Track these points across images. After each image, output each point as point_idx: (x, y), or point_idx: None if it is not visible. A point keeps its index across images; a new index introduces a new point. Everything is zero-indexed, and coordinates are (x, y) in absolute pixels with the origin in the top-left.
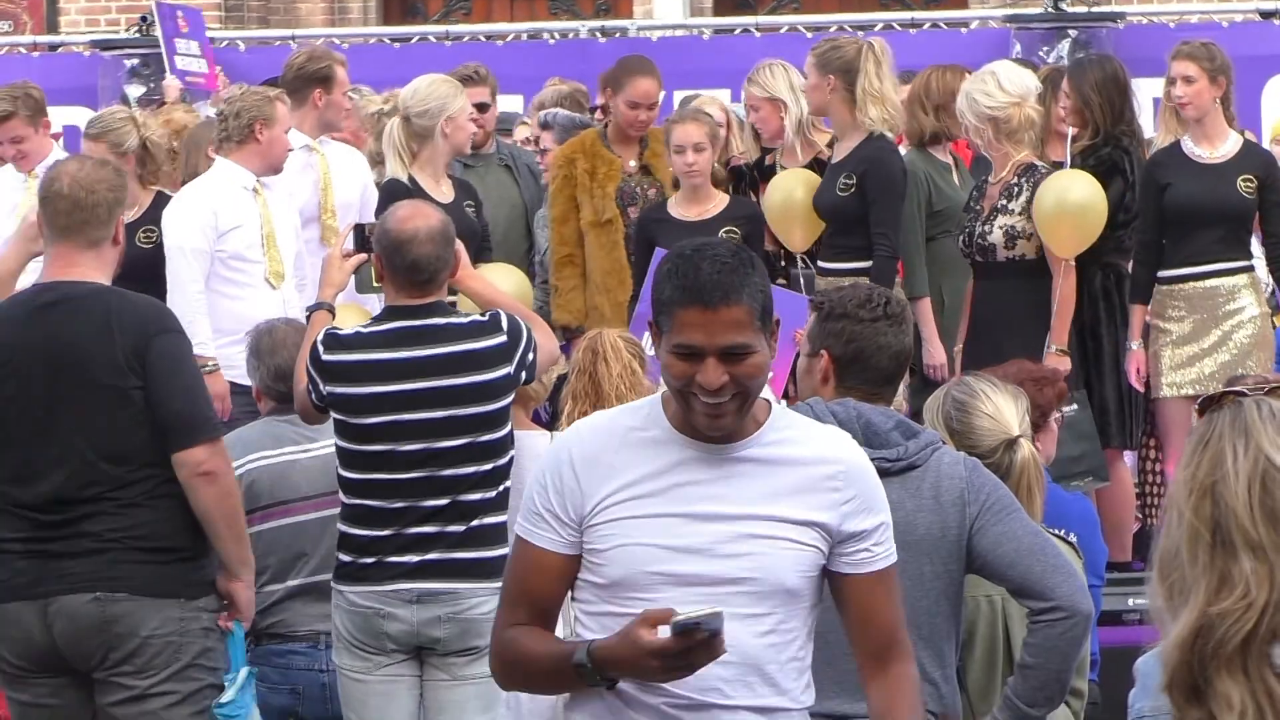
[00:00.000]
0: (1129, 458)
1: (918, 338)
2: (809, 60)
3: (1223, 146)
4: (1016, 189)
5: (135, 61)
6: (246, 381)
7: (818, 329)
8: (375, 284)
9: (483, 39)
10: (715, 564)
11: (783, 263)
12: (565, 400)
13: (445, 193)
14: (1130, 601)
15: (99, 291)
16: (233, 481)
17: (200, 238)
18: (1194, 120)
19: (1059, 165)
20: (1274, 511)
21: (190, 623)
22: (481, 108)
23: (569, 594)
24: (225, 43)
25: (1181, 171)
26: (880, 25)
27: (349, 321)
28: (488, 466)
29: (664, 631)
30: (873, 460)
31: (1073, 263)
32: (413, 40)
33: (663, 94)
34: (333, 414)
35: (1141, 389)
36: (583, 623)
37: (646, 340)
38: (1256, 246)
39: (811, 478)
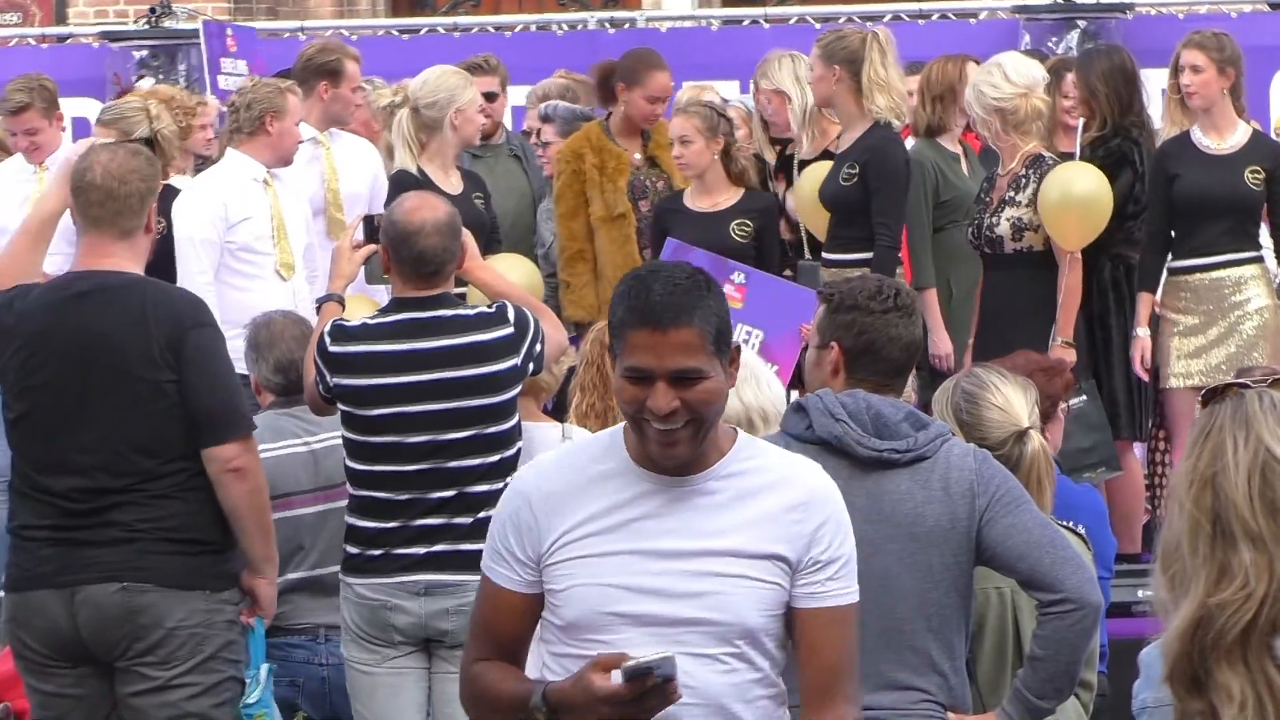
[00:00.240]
0: (1138, 449)
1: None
2: (814, 51)
3: (1231, 137)
4: (1024, 180)
5: (144, 53)
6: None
7: (827, 321)
8: (384, 275)
9: (491, 30)
10: (673, 604)
11: (806, 255)
12: (573, 392)
13: (454, 184)
14: (1140, 593)
15: (134, 282)
16: (262, 479)
17: (210, 229)
18: (1201, 110)
19: (1068, 156)
20: (1274, 503)
21: (215, 615)
22: (490, 97)
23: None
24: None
25: (1190, 162)
26: (889, 16)
27: (358, 313)
28: (495, 458)
29: (616, 677)
30: (882, 452)
31: (1079, 255)
32: (421, 32)
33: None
34: (339, 406)
35: (1146, 377)
36: (547, 664)
37: None
38: (1266, 238)
39: (774, 509)
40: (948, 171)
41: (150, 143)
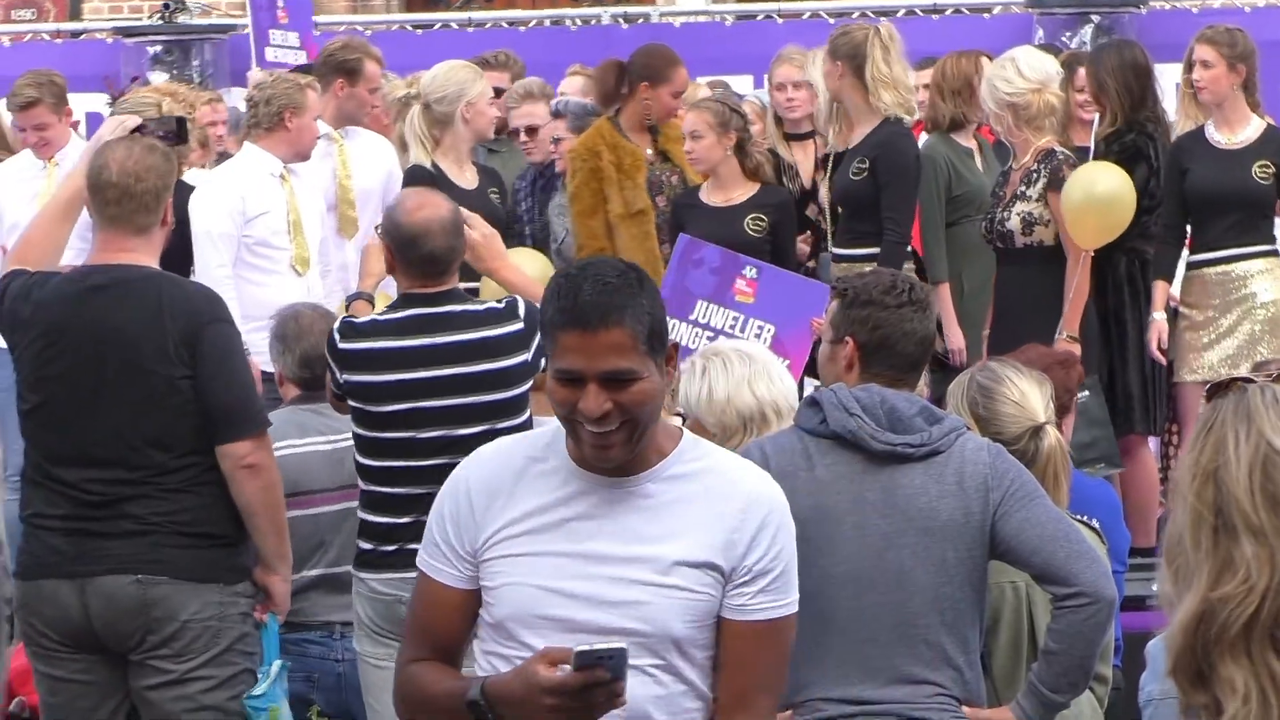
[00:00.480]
0: (1152, 443)
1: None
2: (825, 47)
3: (1243, 132)
4: (1035, 175)
5: (158, 49)
6: (268, 368)
7: (841, 316)
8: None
9: (505, 25)
10: (599, 612)
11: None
12: None
13: (469, 179)
14: (1154, 587)
15: (151, 276)
16: (276, 475)
17: (228, 222)
18: (1212, 105)
19: (1082, 151)
20: (1275, 496)
21: (229, 608)
22: (501, 93)
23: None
24: (246, 28)
25: (1201, 157)
26: (902, 11)
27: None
28: None
29: (564, 670)
30: (897, 446)
31: (1090, 251)
32: (435, 27)
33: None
34: (350, 402)
35: (1164, 360)
36: (478, 663)
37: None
38: None
39: (711, 515)
40: (961, 166)
41: (181, 123)
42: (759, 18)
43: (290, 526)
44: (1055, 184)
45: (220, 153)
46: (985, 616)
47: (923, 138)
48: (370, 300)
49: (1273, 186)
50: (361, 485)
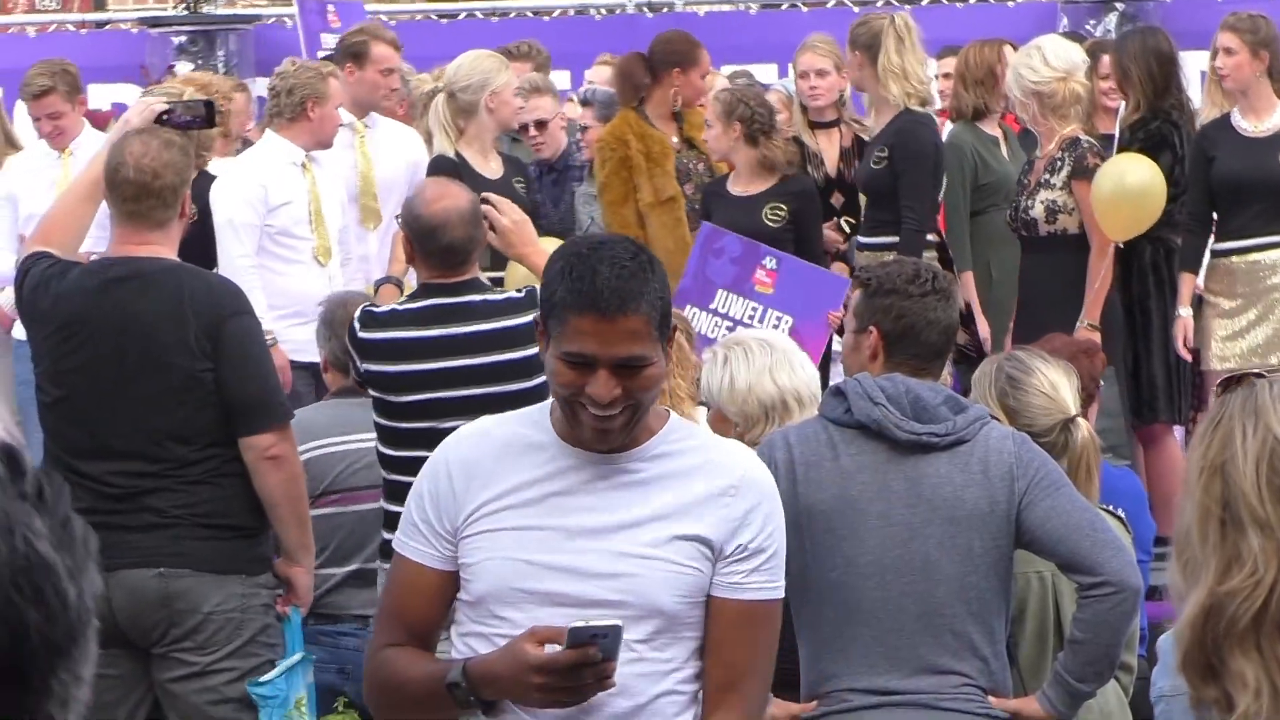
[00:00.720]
0: (1177, 432)
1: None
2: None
3: (1269, 120)
4: (1059, 163)
5: (183, 39)
6: (296, 357)
7: (865, 305)
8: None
9: (529, 15)
10: (585, 584)
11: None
12: None
13: (494, 169)
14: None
15: (172, 269)
16: (299, 466)
17: (250, 212)
18: (1236, 92)
19: (1107, 139)
20: None
21: (251, 599)
22: None
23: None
24: (273, 19)
25: (1227, 145)
26: (927, 0)
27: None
28: None
29: (551, 649)
30: (922, 435)
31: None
32: (459, 17)
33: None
34: (371, 391)
35: (1190, 357)
36: (455, 646)
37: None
38: None
39: (701, 492)
40: (986, 155)
41: (210, 106)
42: (783, 6)
43: (332, 523)
44: (1080, 172)
45: (244, 141)
46: (1011, 606)
47: (948, 127)
48: (399, 284)
49: None
50: (384, 475)
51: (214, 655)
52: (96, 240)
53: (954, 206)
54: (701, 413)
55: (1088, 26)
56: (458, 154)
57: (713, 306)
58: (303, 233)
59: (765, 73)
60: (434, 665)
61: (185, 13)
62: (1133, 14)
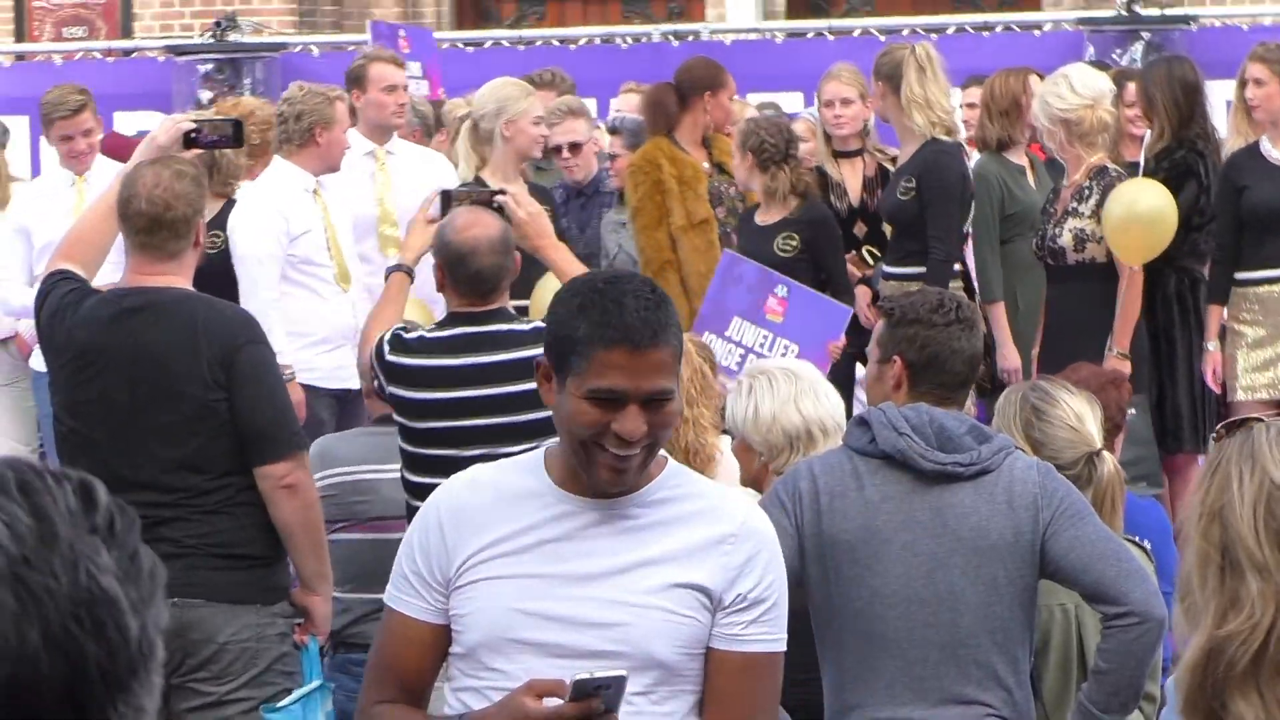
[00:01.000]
0: (1202, 462)
1: (989, 343)
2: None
3: None
4: (1087, 192)
5: (209, 67)
6: (323, 385)
7: (889, 335)
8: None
9: (556, 43)
10: (580, 634)
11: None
12: None
13: None
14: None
15: (185, 298)
16: (314, 494)
17: (274, 244)
18: (1266, 122)
19: (1133, 167)
20: (1278, 533)
21: (267, 628)
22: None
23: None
24: (299, 48)
25: (1258, 174)
26: (952, 28)
27: (413, 319)
28: None
29: (550, 702)
30: (947, 465)
31: (1139, 268)
32: (486, 44)
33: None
34: (395, 416)
35: (1219, 390)
36: (448, 703)
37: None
38: None
39: (699, 539)
40: (1013, 185)
41: (238, 126)
42: (809, 35)
43: (364, 551)
44: None
45: None
46: (1035, 637)
47: (974, 156)
48: (410, 273)
49: None
50: (408, 500)
51: (230, 685)
52: (115, 266)
53: (983, 237)
54: (726, 442)
55: (1114, 55)
56: (479, 181)
57: (728, 334)
58: (323, 259)
59: (791, 101)
60: None
61: (211, 41)
62: (1159, 43)
